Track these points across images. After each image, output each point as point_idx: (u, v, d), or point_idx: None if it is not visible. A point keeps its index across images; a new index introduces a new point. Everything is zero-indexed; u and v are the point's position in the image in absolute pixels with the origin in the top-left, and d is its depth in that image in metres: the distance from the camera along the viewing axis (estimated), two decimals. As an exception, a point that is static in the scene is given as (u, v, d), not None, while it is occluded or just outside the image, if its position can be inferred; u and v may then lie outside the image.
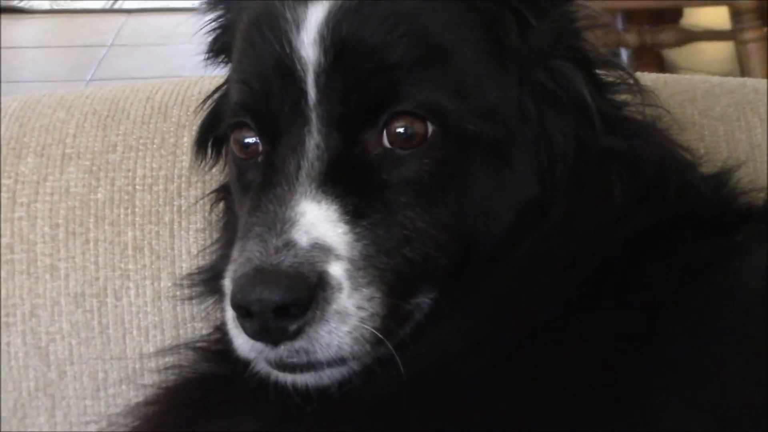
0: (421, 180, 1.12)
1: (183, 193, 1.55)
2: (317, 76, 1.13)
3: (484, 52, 1.15)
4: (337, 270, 1.08)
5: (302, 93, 1.14)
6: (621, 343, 1.05)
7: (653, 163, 1.17)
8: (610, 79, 1.24)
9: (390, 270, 1.10)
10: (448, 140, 1.13)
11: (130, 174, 1.57)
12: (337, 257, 1.08)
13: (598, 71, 1.22)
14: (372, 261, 1.09)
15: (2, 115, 1.60)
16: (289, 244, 1.07)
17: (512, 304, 1.10)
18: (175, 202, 1.55)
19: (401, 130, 1.12)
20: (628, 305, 1.08)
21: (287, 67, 1.15)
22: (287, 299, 1.05)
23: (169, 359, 1.34)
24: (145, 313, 1.52)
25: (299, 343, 1.07)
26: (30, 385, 1.52)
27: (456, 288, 1.12)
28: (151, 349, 1.49)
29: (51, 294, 1.51)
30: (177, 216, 1.54)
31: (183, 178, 1.55)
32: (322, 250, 1.08)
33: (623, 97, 1.25)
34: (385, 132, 1.13)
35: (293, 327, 1.06)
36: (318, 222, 1.09)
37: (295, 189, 1.11)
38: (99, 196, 1.55)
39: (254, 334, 1.08)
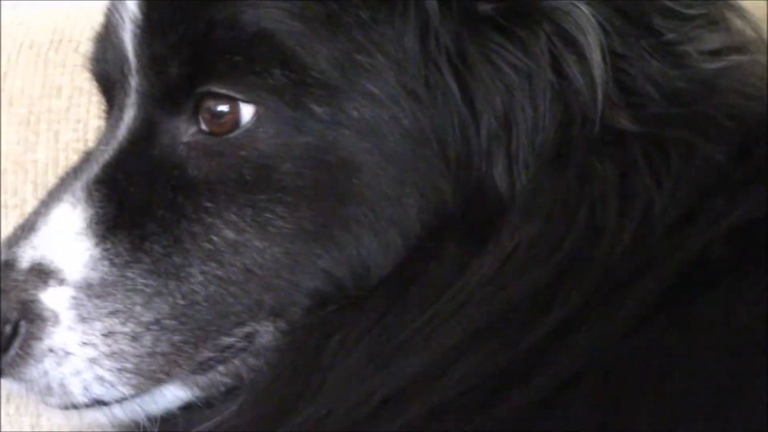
0: (233, 175, 0.96)
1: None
2: (134, 36, 1.00)
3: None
4: (54, 298, 0.95)
5: (125, 57, 1.02)
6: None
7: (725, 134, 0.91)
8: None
9: (174, 294, 0.96)
10: (289, 125, 0.95)
11: (80, 126, 1.39)
12: (61, 281, 0.95)
13: None
14: (129, 285, 0.95)
15: None
16: (9, 263, 0.97)
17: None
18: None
19: (212, 109, 0.97)
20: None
21: (115, 21, 1.03)
22: None
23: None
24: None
25: (24, 384, 0.97)
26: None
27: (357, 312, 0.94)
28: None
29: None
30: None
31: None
32: (42, 272, 0.96)
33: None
34: (200, 113, 0.98)
35: (2, 365, 0.96)
36: (56, 234, 0.98)
37: (68, 184, 1.00)
38: (39, 156, 1.39)
39: None
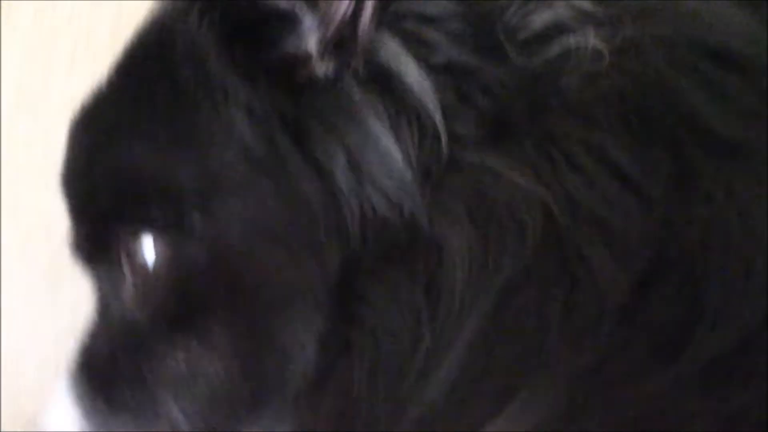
0: (169, 316, 0.93)
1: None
2: None
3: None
4: None
5: None
6: None
7: None
8: None
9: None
10: (183, 253, 0.92)
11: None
12: None
13: None
14: None
15: None
16: None
17: None
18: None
19: (129, 263, 0.94)
20: None
21: None
22: None
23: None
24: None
25: None
26: None
27: None
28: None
29: None
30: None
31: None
32: None
33: None
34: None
35: None
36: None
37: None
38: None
39: None
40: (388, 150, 0.85)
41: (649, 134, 0.79)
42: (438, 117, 0.83)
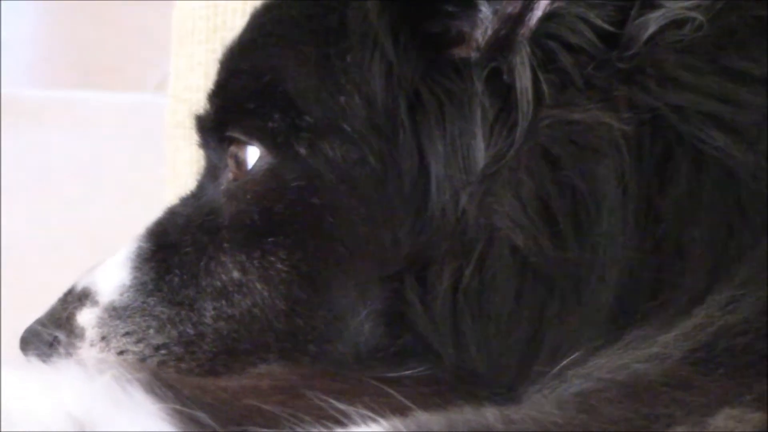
0: (248, 219, 0.99)
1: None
2: None
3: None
4: (86, 317, 1.02)
5: None
6: None
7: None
8: None
9: (185, 323, 0.99)
10: (283, 168, 0.98)
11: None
12: (95, 303, 1.02)
13: None
14: (147, 311, 1.00)
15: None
16: (71, 287, 1.05)
17: None
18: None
19: (233, 154, 1.01)
20: None
21: None
22: (22, 346, 1.02)
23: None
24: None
25: None
26: None
27: None
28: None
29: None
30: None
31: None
32: (85, 294, 1.03)
33: None
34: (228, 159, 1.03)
35: None
36: (110, 264, 1.04)
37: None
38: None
39: None
40: (478, 145, 0.92)
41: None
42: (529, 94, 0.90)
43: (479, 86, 0.92)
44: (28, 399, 0.76)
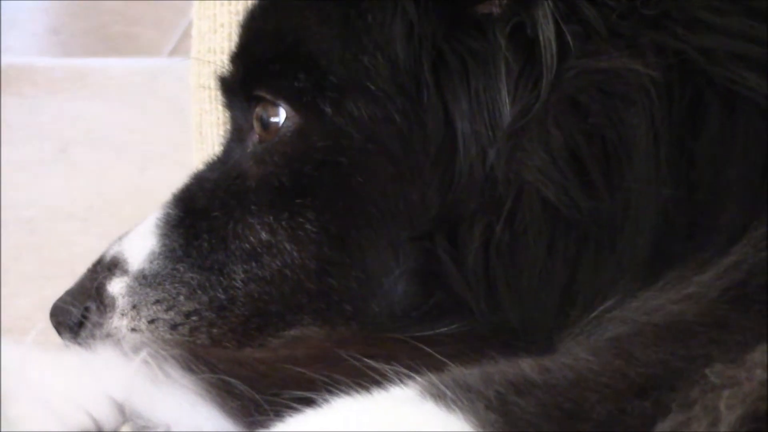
0: (275, 181, 0.98)
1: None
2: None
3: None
4: (116, 286, 1.01)
5: None
6: None
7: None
8: None
9: (216, 288, 0.98)
10: (309, 129, 0.97)
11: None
12: (124, 272, 1.01)
13: None
14: (177, 277, 0.99)
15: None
16: (101, 257, 1.04)
17: None
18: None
19: (260, 115, 1.00)
20: None
21: None
22: (53, 321, 1.01)
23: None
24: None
25: None
26: None
27: None
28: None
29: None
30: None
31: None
32: (114, 263, 1.02)
33: None
34: (254, 122, 1.02)
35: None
36: (138, 232, 1.04)
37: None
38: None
39: None
40: (504, 101, 0.91)
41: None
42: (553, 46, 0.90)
43: (502, 42, 0.91)
44: (67, 382, 0.76)
